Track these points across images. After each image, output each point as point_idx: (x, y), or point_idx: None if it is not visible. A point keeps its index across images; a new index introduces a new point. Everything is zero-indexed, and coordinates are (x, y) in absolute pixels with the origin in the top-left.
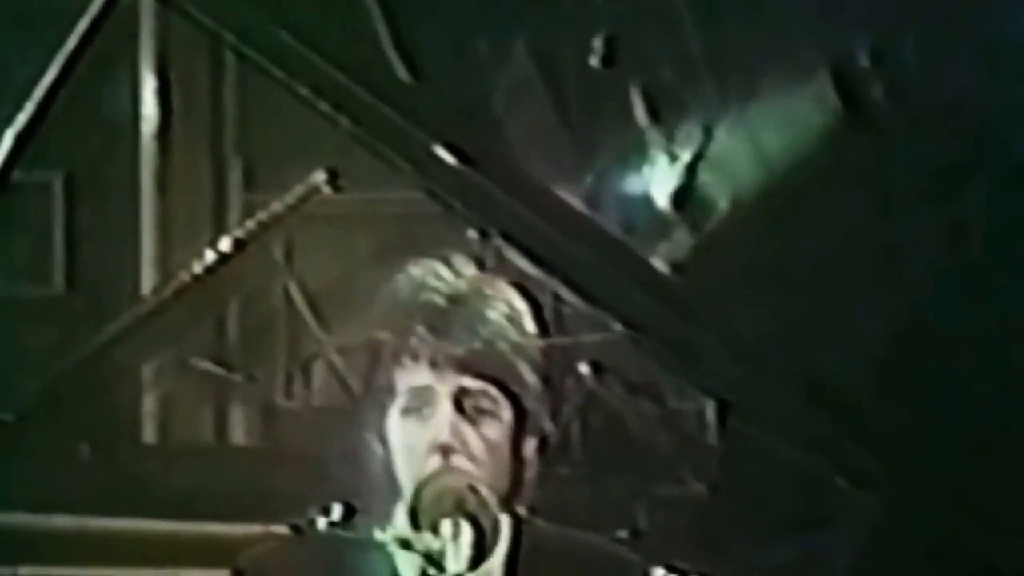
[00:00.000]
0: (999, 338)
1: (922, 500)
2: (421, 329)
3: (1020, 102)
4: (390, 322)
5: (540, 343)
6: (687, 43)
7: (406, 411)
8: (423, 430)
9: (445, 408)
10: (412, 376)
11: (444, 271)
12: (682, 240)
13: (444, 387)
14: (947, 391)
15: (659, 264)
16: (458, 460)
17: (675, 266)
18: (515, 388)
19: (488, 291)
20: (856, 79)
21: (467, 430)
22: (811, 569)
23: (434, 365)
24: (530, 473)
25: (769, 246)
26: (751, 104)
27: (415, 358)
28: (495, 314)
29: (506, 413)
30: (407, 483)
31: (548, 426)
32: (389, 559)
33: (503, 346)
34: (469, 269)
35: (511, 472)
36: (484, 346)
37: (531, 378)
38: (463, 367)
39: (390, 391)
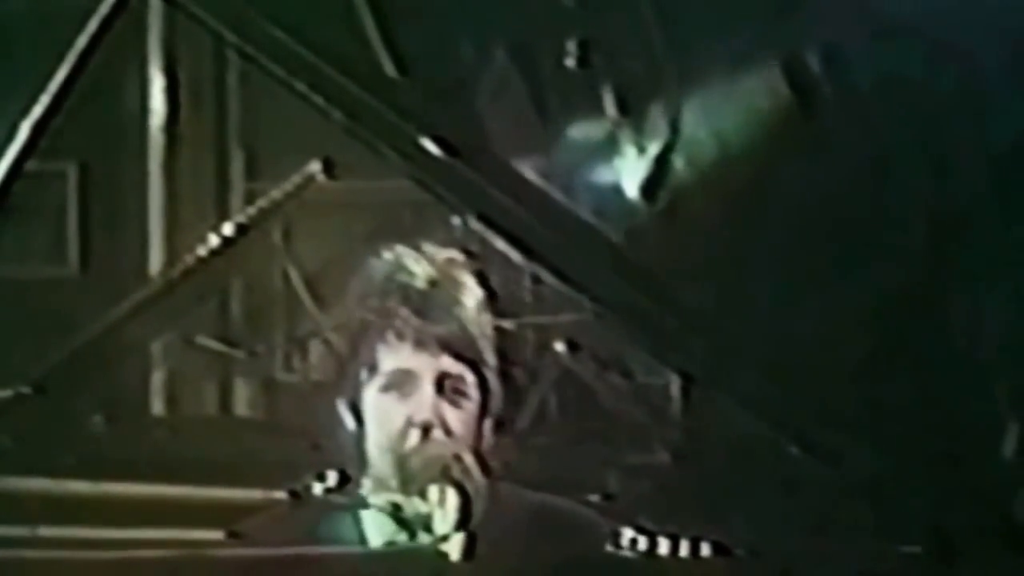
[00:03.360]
0: (951, 313)
1: (874, 467)
2: (404, 310)
3: (959, 93)
4: (372, 303)
5: (511, 324)
6: (654, 46)
7: (385, 388)
8: (401, 407)
9: (427, 390)
10: (396, 356)
11: (414, 259)
12: (654, 232)
13: (427, 370)
14: (902, 364)
15: (643, 258)
16: (437, 435)
17: (657, 258)
18: (483, 369)
19: (457, 278)
20: (804, 72)
21: (445, 409)
22: (768, 530)
23: (418, 345)
24: (486, 447)
25: (732, 230)
26: (711, 96)
27: (400, 337)
28: (468, 299)
29: (475, 392)
30: (377, 454)
31: (501, 406)
32: (358, 525)
33: (474, 329)
34: (440, 255)
35: (475, 445)
36: (461, 328)
37: (492, 361)
38: (443, 348)
39: (372, 369)
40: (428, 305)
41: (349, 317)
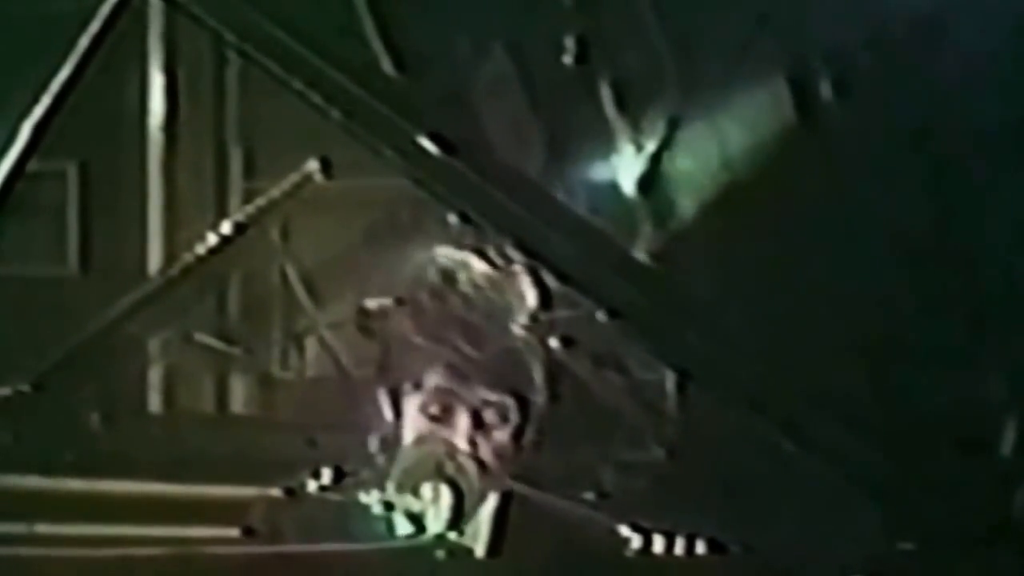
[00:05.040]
0: (949, 311)
1: (871, 464)
2: (455, 336)
3: (962, 93)
4: (424, 324)
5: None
6: (653, 43)
7: (424, 410)
8: (437, 430)
9: (464, 421)
10: (439, 379)
11: (470, 260)
12: (651, 229)
13: (468, 398)
14: (900, 363)
15: (640, 255)
16: (467, 464)
17: (653, 256)
18: (525, 391)
19: (506, 283)
20: (808, 78)
21: (479, 438)
22: (763, 527)
23: (462, 377)
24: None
25: (729, 227)
26: (712, 99)
27: (449, 366)
28: (520, 314)
29: (514, 416)
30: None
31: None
32: (388, 518)
33: (520, 343)
34: (495, 263)
35: (506, 453)
36: (509, 351)
37: (539, 376)
38: (489, 376)
39: (417, 385)
40: (479, 332)
41: (400, 332)
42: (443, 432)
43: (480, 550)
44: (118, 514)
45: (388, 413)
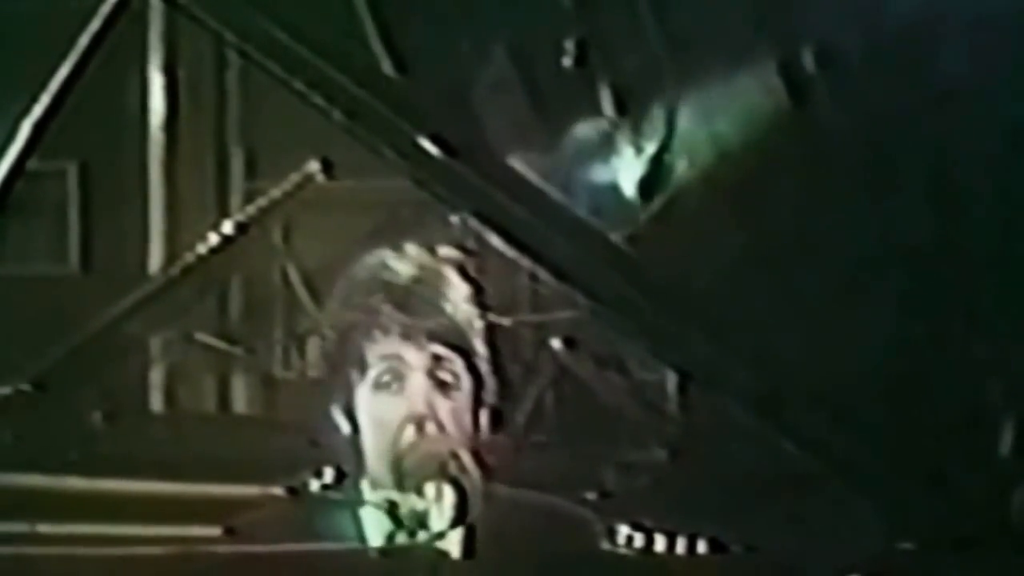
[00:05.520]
0: (948, 311)
1: (870, 464)
2: (388, 307)
3: (959, 91)
4: (356, 301)
5: (508, 321)
6: (651, 45)
7: (378, 385)
8: (397, 403)
9: (418, 379)
10: (383, 349)
11: (397, 258)
12: (651, 230)
13: (416, 359)
14: (899, 362)
15: (640, 256)
16: (430, 429)
17: (654, 257)
18: (474, 359)
19: (441, 274)
20: (801, 74)
21: (438, 399)
22: (764, 527)
23: (405, 337)
24: (482, 440)
25: (729, 227)
26: (708, 96)
27: (386, 332)
28: (453, 294)
29: (466, 382)
30: (374, 454)
31: (495, 398)
32: (358, 522)
33: (462, 322)
34: (423, 253)
35: (470, 440)
36: (448, 320)
37: (483, 351)
38: (431, 338)
39: (361, 365)
40: (411, 301)
41: (336, 318)
42: (399, 400)
43: (456, 551)
44: (120, 513)
45: (343, 422)
